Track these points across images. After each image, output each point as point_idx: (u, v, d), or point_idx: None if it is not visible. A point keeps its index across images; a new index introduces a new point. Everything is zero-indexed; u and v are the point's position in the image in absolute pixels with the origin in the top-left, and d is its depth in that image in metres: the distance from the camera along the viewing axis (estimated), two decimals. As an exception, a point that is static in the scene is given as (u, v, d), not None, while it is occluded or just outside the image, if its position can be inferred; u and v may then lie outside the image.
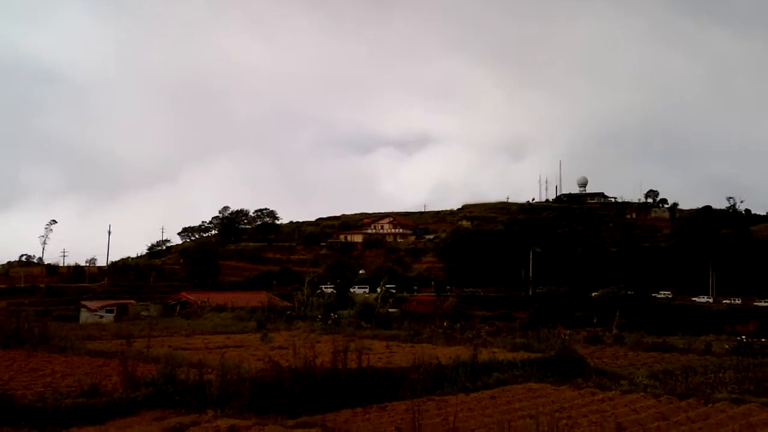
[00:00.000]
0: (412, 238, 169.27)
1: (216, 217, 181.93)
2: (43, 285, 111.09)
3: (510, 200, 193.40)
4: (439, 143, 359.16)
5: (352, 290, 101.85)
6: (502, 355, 26.58)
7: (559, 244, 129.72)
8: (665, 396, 18.83)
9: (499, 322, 66.72)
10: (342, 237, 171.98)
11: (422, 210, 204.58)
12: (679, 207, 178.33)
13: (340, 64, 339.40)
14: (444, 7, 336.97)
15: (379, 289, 66.18)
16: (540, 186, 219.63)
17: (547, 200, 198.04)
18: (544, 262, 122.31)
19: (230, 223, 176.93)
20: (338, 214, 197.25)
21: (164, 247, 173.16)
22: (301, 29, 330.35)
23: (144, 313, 70.28)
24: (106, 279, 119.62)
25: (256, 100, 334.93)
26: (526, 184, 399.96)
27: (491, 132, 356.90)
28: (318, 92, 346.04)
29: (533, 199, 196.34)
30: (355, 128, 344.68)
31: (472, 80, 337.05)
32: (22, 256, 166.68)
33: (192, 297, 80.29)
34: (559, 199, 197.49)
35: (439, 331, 38.78)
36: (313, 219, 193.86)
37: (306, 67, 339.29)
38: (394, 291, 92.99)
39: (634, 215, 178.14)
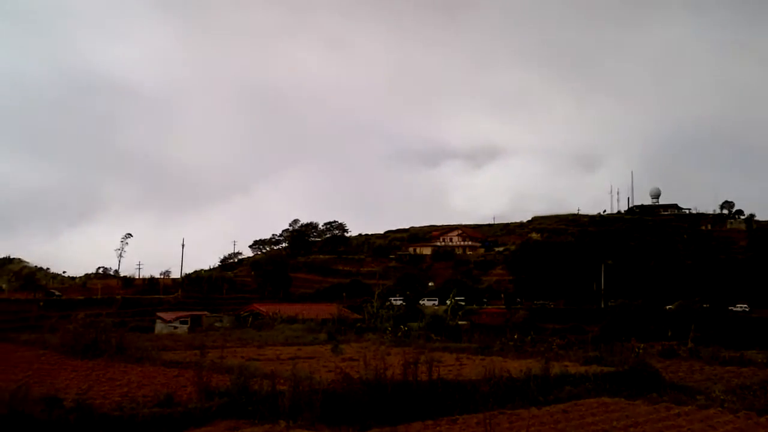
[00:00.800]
0: (482, 250, 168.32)
1: (286, 230, 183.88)
2: (119, 296, 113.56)
3: (581, 212, 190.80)
4: (509, 155, 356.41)
5: (421, 302, 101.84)
6: (574, 368, 26.22)
7: (632, 256, 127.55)
8: (743, 411, 18.37)
9: (570, 335, 65.69)
10: (411, 249, 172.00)
11: (491, 222, 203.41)
12: (756, 218, 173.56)
13: (409, 77, 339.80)
14: (512, 17, 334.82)
15: (448, 302, 66.09)
16: (611, 197, 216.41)
17: (618, 212, 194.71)
18: (616, 275, 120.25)
19: (300, 235, 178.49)
20: (407, 227, 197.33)
21: (236, 260, 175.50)
22: (372, 42, 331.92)
23: (217, 324, 71.37)
24: (179, 291, 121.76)
25: (327, 112, 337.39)
26: (597, 195, 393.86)
27: (561, 143, 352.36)
28: (387, 105, 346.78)
29: (604, 211, 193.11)
30: (424, 140, 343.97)
31: (540, 90, 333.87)
32: (99, 268, 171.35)
33: (263, 308, 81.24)
34: (632, 210, 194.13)
35: (510, 343, 38.36)
36: (381, 231, 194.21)
37: (376, 79, 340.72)
38: (463, 303, 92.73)
39: (709, 227, 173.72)
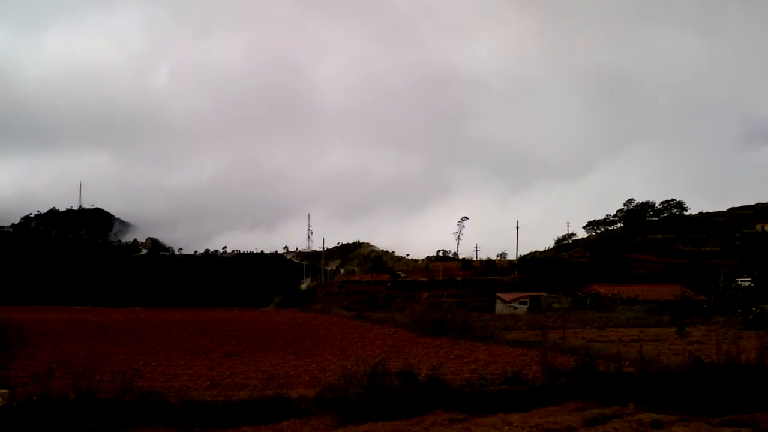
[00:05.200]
0: None
1: (620, 210, 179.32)
2: (459, 278, 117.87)
3: None
4: None
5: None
6: None
7: None
8: None
9: None
10: (758, 227, 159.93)
11: None
12: None
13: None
14: None
15: (805, 282, 60.79)
16: None
17: None
18: None
19: (636, 215, 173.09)
20: (753, 203, 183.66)
21: (570, 241, 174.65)
22: (727, 16, 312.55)
23: (555, 305, 71.66)
24: (516, 272, 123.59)
25: (673, 90, 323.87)
26: None
27: None
28: (741, 79, 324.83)
29: None
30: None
31: None
32: (439, 251, 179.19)
33: (602, 290, 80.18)
34: None
35: None
36: (724, 209, 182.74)
37: (730, 55, 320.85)
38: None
39: None
